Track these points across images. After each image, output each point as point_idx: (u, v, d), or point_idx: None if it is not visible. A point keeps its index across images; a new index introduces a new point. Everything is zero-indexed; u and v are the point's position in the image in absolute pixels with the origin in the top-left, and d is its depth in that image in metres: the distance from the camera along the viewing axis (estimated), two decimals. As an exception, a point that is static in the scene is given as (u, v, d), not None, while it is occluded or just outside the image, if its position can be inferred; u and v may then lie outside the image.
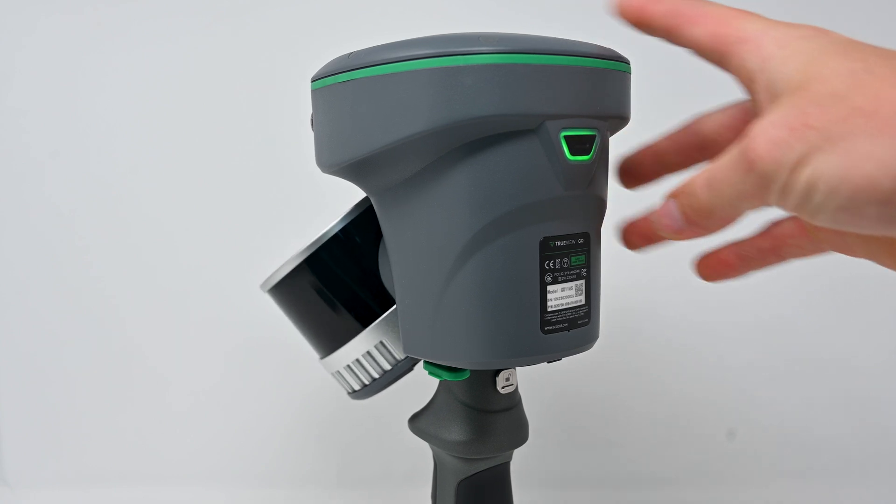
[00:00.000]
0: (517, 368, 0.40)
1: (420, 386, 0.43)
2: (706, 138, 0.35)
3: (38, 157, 0.75)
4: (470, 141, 0.31)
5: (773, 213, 0.31)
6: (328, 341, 0.41)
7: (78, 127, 0.75)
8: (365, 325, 0.40)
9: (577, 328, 0.35)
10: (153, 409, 0.76)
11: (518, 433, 0.41)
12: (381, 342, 0.40)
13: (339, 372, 0.42)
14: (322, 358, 0.43)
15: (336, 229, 0.39)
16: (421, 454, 0.48)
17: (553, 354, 0.34)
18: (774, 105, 0.26)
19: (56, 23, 0.73)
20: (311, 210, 0.60)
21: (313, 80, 0.36)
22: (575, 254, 0.34)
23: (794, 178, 0.24)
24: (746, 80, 0.28)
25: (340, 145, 0.35)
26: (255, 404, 0.76)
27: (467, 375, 0.38)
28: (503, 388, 0.40)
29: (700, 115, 0.36)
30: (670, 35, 0.30)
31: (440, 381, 0.41)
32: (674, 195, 0.29)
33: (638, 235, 0.37)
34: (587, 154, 0.33)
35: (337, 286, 0.40)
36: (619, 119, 0.35)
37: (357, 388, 0.42)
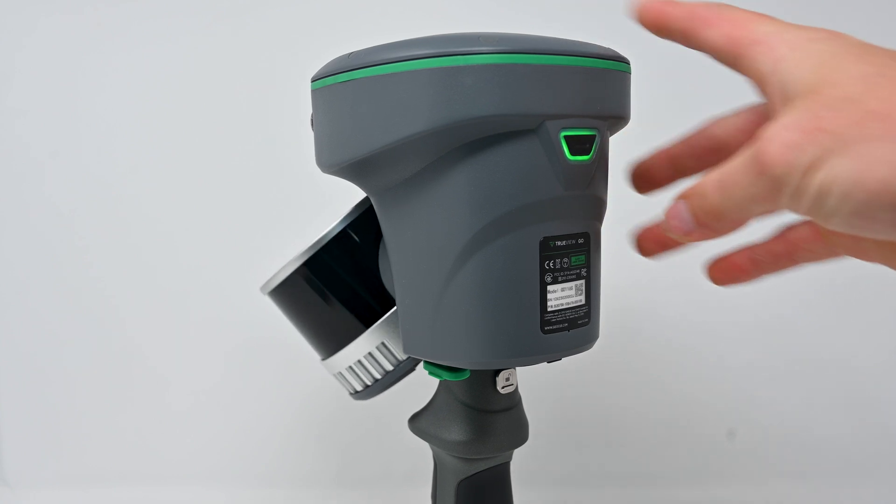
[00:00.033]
0: (517, 368, 0.40)
1: (420, 386, 0.43)
2: (721, 142, 0.35)
3: (39, 157, 0.75)
4: (470, 141, 0.31)
5: (787, 218, 0.31)
6: (330, 343, 0.41)
7: (78, 127, 0.75)
8: (367, 325, 0.40)
9: (577, 328, 0.35)
10: (153, 409, 0.76)
11: (518, 433, 0.41)
12: (383, 343, 0.40)
13: (341, 373, 0.42)
14: (324, 359, 0.43)
15: (337, 230, 0.39)
16: (421, 454, 0.48)
17: (553, 354, 0.34)
18: (787, 108, 0.26)
19: (56, 23, 0.73)
20: (311, 210, 0.60)
21: (313, 80, 0.36)
22: (575, 254, 0.34)
23: (806, 182, 0.24)
24: (759, 82, 0.28)
25: (340, 145, 0.35)
26: (255, 404, 0.76)
27: (467, 375, 0.38)
28: (503, 388, 0.40)
29: (714, 118, 0.35)
30: (687, 38, 0.30)
31: (440, 381, 0.41)
32: (684, 197, 0.29)
33: (652, 241, 0.37)
34: (587, 154, 0.33)
35: (338, 287, 0.40)
36: (619, 119, 0.35)
37: (359, 388, 0.42)
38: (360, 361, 0.40)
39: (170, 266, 0.75)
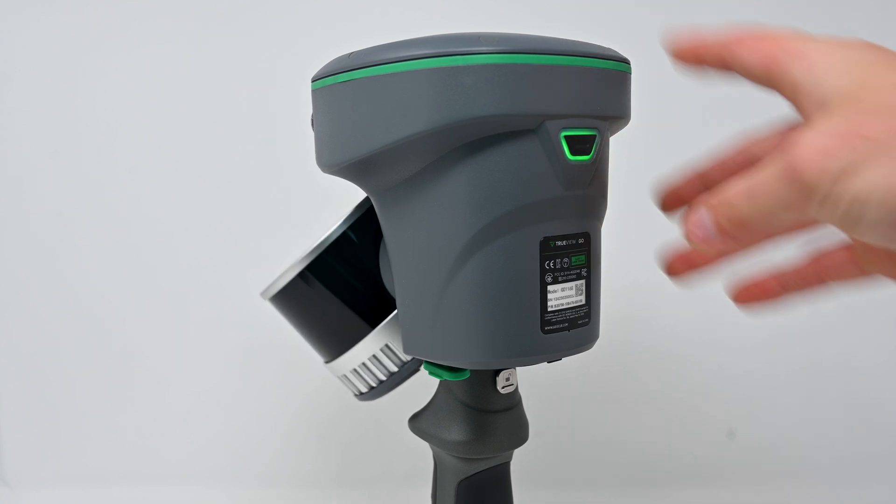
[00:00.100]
0: (517, 368, 0.40)
1: (420, 386, 0.43)
2: (758, 160, 0.33)
3: (39, 158, 0.75)
4: (470, 141, 0.31)
5: (818, 243, 0.31)
6: (335, 345, 0.41)
7: (78, 127, 0.75)
8: (372, 326, 0.39)
9: (578, 328, 0.35)
10: (153, 409, 0.76)
11: (518, 433, 0.41)
12: (387, 345, 0.40)
13: (345, 376, 0.42)
14: (327, 362, 0.43)
15: (338, 232, 0.39)
16: (421, 454, 0.48)
17: (553, 354, 0.34)
18: (822, 113, 0.25)
19: (56, 23, 0.73)
20: (311, 210, 0.60)
21: (313, 80, 0.36)
22: (575, 254, 0.34)
23: (839, 189, 0.23)
24: (791, 92, 0.27)
25: (341, 145, 0.35)
26: (255, 404, 0.76)
27: (467, 375, 0.38)
28: (503, 388, 0.40)
29: (749, 136, 0.34)
30: (722, 62, 0.30)
31: (440, 381, 0.41)
32: (708, 206, 0.28)
33: (681, 261, 0.36)
34: (587, 154, 0.33)
35: (342, 289, 0.40)
36: (620, 119, 0.35)
37: (365, 390, 0.42)
38: (364, 364, 0.40)
39: (170, 266, 0.75)
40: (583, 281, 0.35)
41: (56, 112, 0.74)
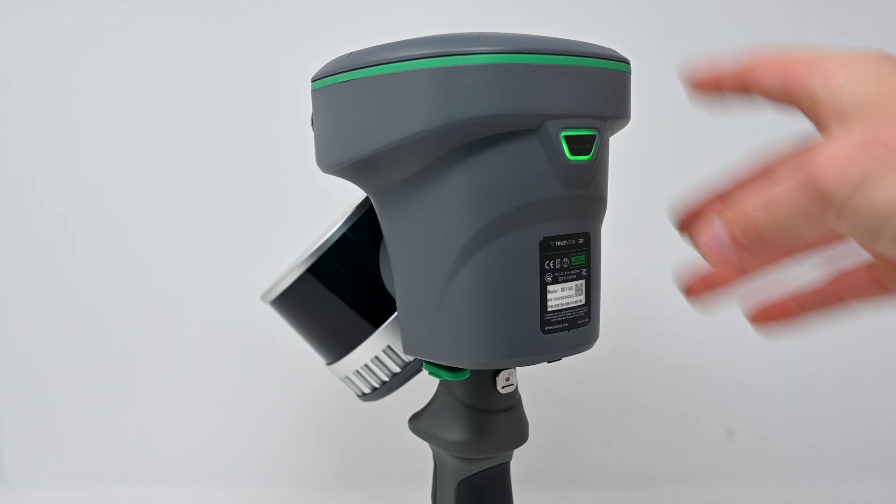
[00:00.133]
0: (517, 368, 0.40)
1: (420, 386, 0.43)
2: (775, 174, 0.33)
3: (39, 158, 0.75)
4: (470, 141, 0.31)
5: (838, 262, 0.30)
6: (337, 347, 0.41)
7: (78, 127, 0.75)
8: (376, 326, 0.39)
9: (578, 328, 0.35)
10: (153, 409, 0.76)
11: (518, 433, 0.41)
12: (389, 346, 0.40)
13: (348, 377, 0.42)
14: (330, 364, 0.42)
15: (339, 233, 0.39)
16: (421, 454, 0.48)
17: (553, 354, 0.34)
18: (841, 124, 0.25)
19: (56, 23, 0.73)
20: (311, 210, 0.60)
21: (313, 80, 0.36)
22: (575, 254, 0.34)
23: (858, 198, 0.23)
24: (810, 105, 0.27)
25: (341, 145, 0.35)
26: (255, 404, 0.76)
27: (467, 375, 0.38)
28: (503, 388, 0.40)
29: (768, 153, 0.34)
30: (742, 85, 0.30)
31: (440, 381, 0.41)
32: (723, 218, 0.27)
33: (700, 282, 0.35)
34: (587, 154, 0.33)
35: (344, 290, 0.40)
36: (620, 119, 0.35)
37: (367, 391, 0.42)
38: (367, 365, 0.40)
39: (170, 266, 0.75)
40: (583, 281, 0.35)
41: (56, 112, 0.74)
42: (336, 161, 0.36)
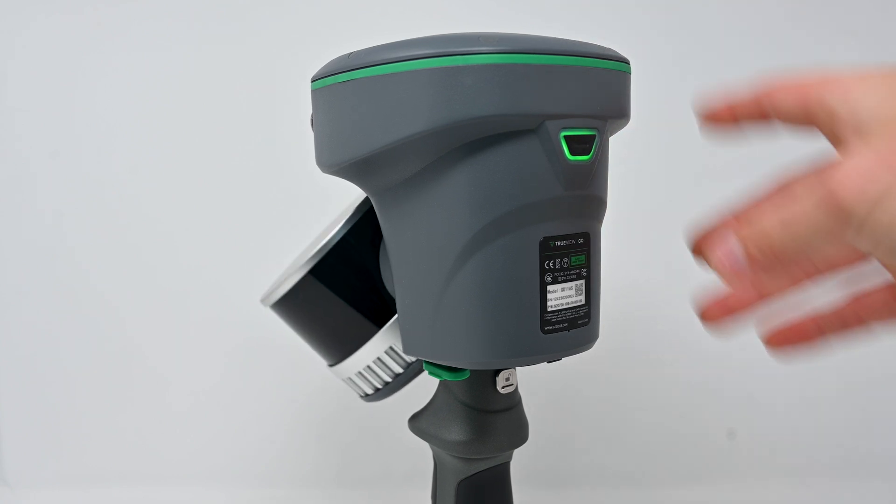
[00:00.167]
0: (517, 368, 0.40)
1: (420, 386, 0.43)
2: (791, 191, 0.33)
3: (38, 157, 0.75)
4: (470, 141, 0.31)
5: (857, 285, 0.30)
6: (339, 349, 0.41)
7: (78, 127, 0.75)
8: (379, 326, 0.39)
9: (577, 328, 0.35)
10: (153, 409, 0.76)
11: (518, 433, 0.41)
12: (391, 347, 0.40)
13: (351, 378, 0.42)
14: (332, 365, 0.42)
15: (340, 234, 0.39)
16: (421, 454, 0.48)
17: (553, 354, 0.34)
18: (861, 137, 0.25)
19: (56, 23, 0.73)
20: (311, 210, 0.60)
21: (313, 80, 0.36)
22: (575, 254, 0.34)
23: (878, 214, 0.23)
24: (829, 123, 0.27)
25: (340, 145, 0.35)
26: (255, 404, 0.76)
27: (467, 375, 0.38)
28: (503, 388, 0.40)
29: (786, 174, 0.33)
30: (760, 113, 0.29)
31: (440, 381, 0.41)
32: (739, 235, 0.27)
33: (717, 306, 0.34)
34: (587, 154, 0.33)
35: (347, 291, 0.40)
36: (620, 119, 0.35)
37: (370, 392, 0.42)
38: (369, 366, 0.40)
39: (170, 266, 0.75)
40: (583, 281, 0.35)
41: (56, 112, 0.74)
42: (336, 161, 0.36)
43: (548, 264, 0.33)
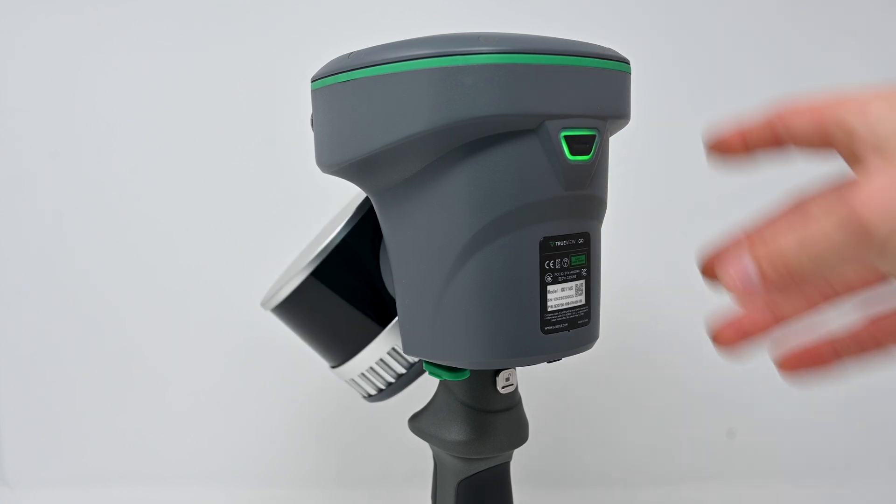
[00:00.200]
0: (517, 368, 0.40)
1: (420, 386, 0.43)
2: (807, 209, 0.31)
3: (38, 157, 0.75)
4: (470, 141, 0.31)
5: (873, 308, 0.29)
6: (342, 350, 0.41)
7: (78, 127, 0.75)
8: (382, 326, 0.39)
9: (578, 328, 0.35)
10: (153, 409, 0.76)
11: (518, 433, 0.41)
12: (394, 348, 0.40)
13: (353, 380, 0.42)
14: (334, 367, 0.42)
15: (341, 235, 0.39)
16: (421, 454, 0.48)
17: (553, 354, 0.34)
18: (881, 156, 0.25)
19: (56, 23, 0.73)
20: (311, 210, 0.60)
21: (313, 80, 0.36)
22: (575, 254, 0.34)
23: None
24: (846, 140, 0.26)
25: (341, 145, 0.35)
26: (256, 404, 0.76)
27: (467, 375, 0.38)
28: (503, 388, 0.40)
29: (801, 193, 0.32)
30: (774, 139, 0.29)
31: (440, 381, 0.41)
32: (752, 253, 0.26)
33: (732, 330, 0.33)
34: (587, 154, 0.33)
35: (349, 292, 0.40)
36: (620, 119, 0.35)
37: (373, 392, 0.42)
38: (372, 367, 0.40)
39: (170, 266, 0.75)
40: (583, 281, 0.35)
41: (56, 112, 0.74)
42: (336, 161, 0.36)
43: (548, 264, 0.33)
